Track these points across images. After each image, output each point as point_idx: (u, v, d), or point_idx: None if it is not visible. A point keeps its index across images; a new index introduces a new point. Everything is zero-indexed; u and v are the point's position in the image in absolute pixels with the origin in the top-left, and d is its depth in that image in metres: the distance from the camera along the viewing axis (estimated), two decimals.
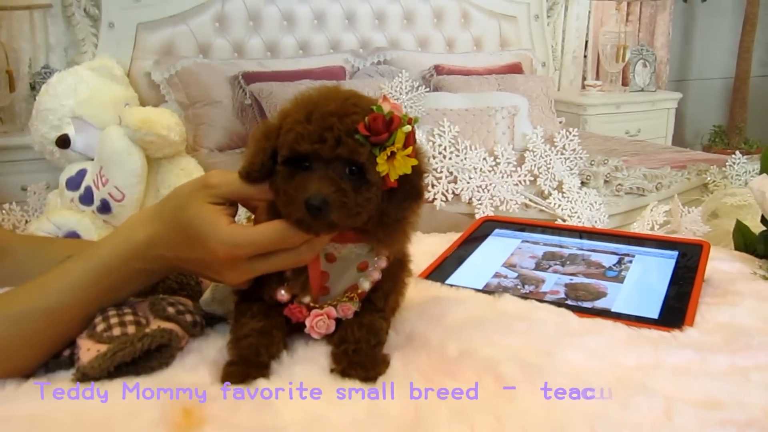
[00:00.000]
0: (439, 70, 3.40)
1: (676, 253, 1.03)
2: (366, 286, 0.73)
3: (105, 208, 2.20)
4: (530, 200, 2.53)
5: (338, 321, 0.74)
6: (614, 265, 1.02)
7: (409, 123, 0.66)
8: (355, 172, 0.65)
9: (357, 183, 0.65)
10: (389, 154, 0.65)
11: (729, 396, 0.65)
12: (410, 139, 0.66)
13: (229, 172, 0.70)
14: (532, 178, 2.60)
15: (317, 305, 0.73)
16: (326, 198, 0.63)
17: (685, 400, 0.63)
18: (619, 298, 0.92)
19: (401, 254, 0.77)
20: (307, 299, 0.72)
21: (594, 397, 0.63)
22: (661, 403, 0.62)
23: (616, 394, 0.64)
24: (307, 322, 0.72)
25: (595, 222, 2.46)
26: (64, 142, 2.33)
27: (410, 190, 0.69)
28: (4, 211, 2.51)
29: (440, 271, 1.03)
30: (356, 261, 0.72)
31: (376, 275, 0.73)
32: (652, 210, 2.21)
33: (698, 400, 0.64)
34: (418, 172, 0.68)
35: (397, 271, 0.77)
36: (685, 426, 0.59)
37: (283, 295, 0.72)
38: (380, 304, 0.75)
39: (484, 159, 2.53)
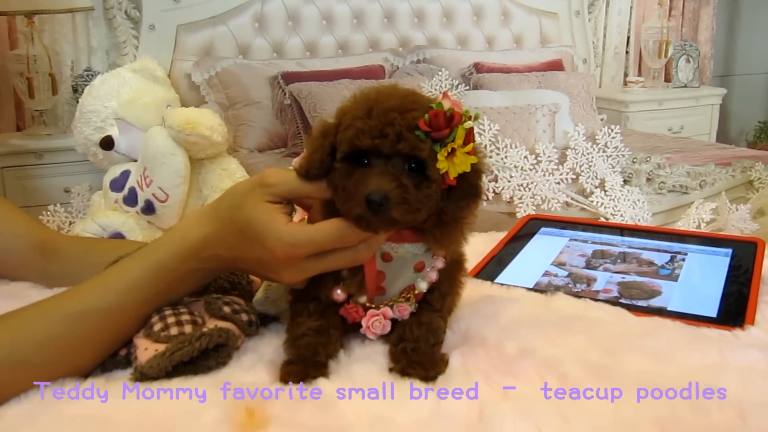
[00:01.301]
0: (478, 68, 3.37)
1: (729, 250, 1.01)
2: (423, 287, 0.72)
3: (149, 208, 2.22)
4: (572, 199, 2.50)
5: (394, 321, 0.73)
6: (667, 263, 1.01)
7: (470, 119, 0.65)
8: (414, 168, 0.64)
9: (417, 180, 0.64)
10: (449, 150, 0.64)
11: None
12: (470, 136, 0.65)
13: (286, 170, 0.70)
14: (573, 177, 2.57)
15: (373, 305, 0.72)
16: (387, 194, 0.62)
17: (756, 400, 0.61)
18: (674, 296, 0.90)
19: (457, 254, 0.76)
20: (363, 299, 0.72)
21: (662, 399, 0.61)
22: (732, 404, 0.60)
23: (686, 395, 0.62)
24: (363, 323, 0.72)
25: (639, 220, 2.42)
26: (107, 143, 2.35)
27: (468, 188, 0.68)
28: (48, 213, 2.54)
29: (488, 269, 1.02)
30: (413, 261, 0.71)
31: (434, 276, 0.72)
32: (697, 208, 2.17)
33: None
34: (476, 170, 0.67)
35: (453, 271, 0.76)
36: (760, 428, 0.57)
37: (339, 294, 0.71)
38: (437, 305, 0.74)
39: (525, 157, 2.51)
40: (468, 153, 0.65)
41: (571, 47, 3.87)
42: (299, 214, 0.75)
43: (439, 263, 0.72)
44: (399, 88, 0.68)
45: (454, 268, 0.76)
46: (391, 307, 0.72)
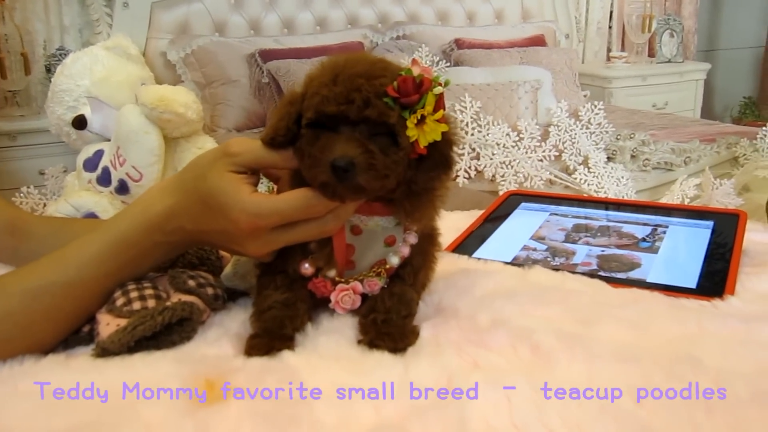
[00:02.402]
0: (459, 44, 3.35)
1: (711, 223, 1.01)
2: (395, 261, 0.71)
3: (123, 188, 2.18)
4: (555, 176, 2.49)
5: (364, 297, 0.72)
6: (647, 236, 1.01)
7: (440, 86, 0.64)
8: (382, 135, 0.63)
9: (385, 146, 0.62)
10: (419, 117, 0.63)
11: None
12: (440, 103, 0.64)
13: (251, 139, 0.68)
14: (556, 154, 2.56)
15: (342, 280, 0.71)
16: (353, 159, 0.60)
17: (734, 370, 0.60)
18: (654, 268, 0.90)
19: (430, 228, 0.75)
20: (332, 273, 0.70)
21: (638, 366, 0.60)
22: (709, 373, 0.59)
23: (660, 363, 0.61)
24: (332, 297, 0.71)
25: (623, 197, 2.42)
26: (80, 122, 2.30)
27: (440, 158, 0.66)
28: (22, 195, 2.50)
29: (466, 245, 1.02)
30: (383, 234, 0.70)
31: (405, 251, 0.71)
32: (681, 183, 2.17)
33: (748, 370, 0.60)
34: (447, 141, 0.66)
35: (426, 245, 0.75)
36: (737, 395, 0.56)
37: (307, 268, 0.70)
38: (410, 279, 0.73)
39: (507, 134, 2.49)
40: (438, 121, 0.63)
41: (553, 22, 3.85)
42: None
43: (412, 238, 0.71)
44: (367, 56, 0.66)
45: (427, 242, 0.75)
46: (361, 281, 0.71)
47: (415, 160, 0.65)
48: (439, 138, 0.63)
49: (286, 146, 0.65)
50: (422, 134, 0.63)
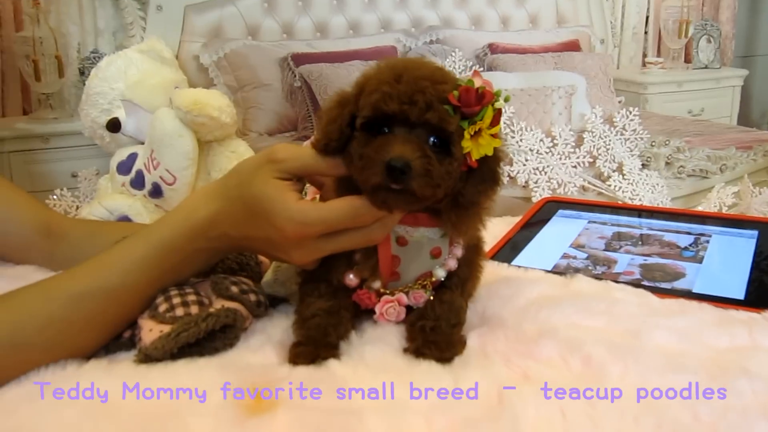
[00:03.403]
0: (493, 48, 3.33)
1: (755, 232, 1.00)
2: (441, 274, 0.70)
3: (156, 191, 2.19)
4: (589, 182, 2.46)
5: (408, 309, 0.71)
6: (690, 245, 0.99)
7: (500, 99, 0.63)
8: (437, 144, 0.61)
9: (440, 155, 0.61)
10: (476, 130, 0.62)
11: None
12: (497, 117, 0.63)
13: (296, 145, 0.67)
14: (590, 160, 2.53)
15: (387, 291, 0.70)
16: (410, 162, 0.59)
17: None
18: (699, 278, 0.89)
19: (476, 239, 0.74)
20: (377, 284, 0.69)
21: (691, 381, 0.58)
22: (765, 386, 0.58)
23: (714, 376, 0.59)
24: (377, 309, 0.70)
25: (657, 205, 2.39)
26: (114, 125, 2.32)
27: (488, 173, 0.65)
28: (55, 197, 2.52)
29: (504, 252, 1.01)
30: (429, 246, 0.69)
31: (452, 264, 0.70)
32: (719, 191, 2.13)
33: None
34: (497, 156, 0.65)
35: (472, 256, 0.73)
36: None
37: (351, 279, 0.69)
38: (457, 290, 0.72)
39: (541, 140, 2.47)
40: (492, 135, 0.62)
41: (588, 27, 3.82)
42: (311, 193, 0.72)
43: (458, 251, 0.70)
44: (427, 61, 0.65)
45: (473, 252, 0.74)
46: (407, 293, 0.70)
47: (465, 172, 0.64)
48: (491, 153, 0.62)
49: (339, 151, 0.64)
50: (476, 147, 0.62)
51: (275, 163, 0.65)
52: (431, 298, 0.70)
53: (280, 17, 3.22)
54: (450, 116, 0.61)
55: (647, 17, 4.17)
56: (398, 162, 0.58)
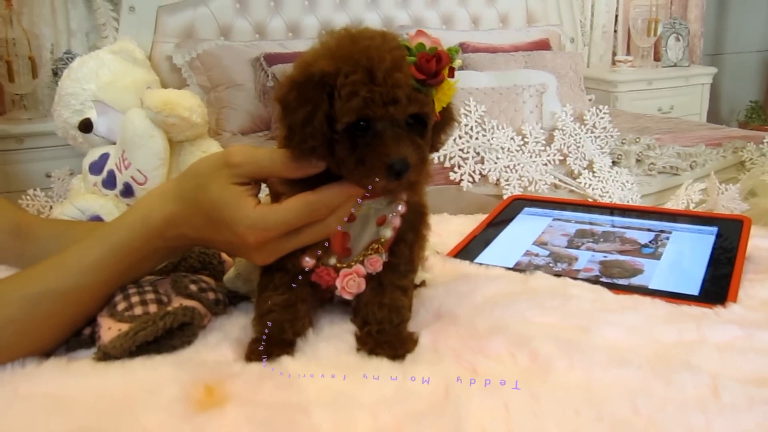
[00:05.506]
0: (464, 47, 3.34)
1: (715, 229, 1.01)
2: (388, 234, 0.70)
3: (128, 191, 2.19)
4: (560, 180, 2.48)
5: (369, 278, 0.71)
6: (650, 241, 1.00)
7: (456, 54, 0.63)
8: (411, 122, 0.62)
9: (420, 132, 0.63)
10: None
11: None
12: (453, 71, 0.63)
13: (252, 147, 0.66)
14: (561, 158, 2.55)
15: (344, 265, 0.70)
16: (408, 160, 0.60)
17: (733, 377, 0.60)
18: (656, 274, 0.90)
19: (419, 205, 0.73)
20: (332, 261, 0.70)
21: (636, 373, 0.60)
22: (706, 380, 0.59)
23: (657, 370, 0.61)
24: (338, 284, 0.69)
25: (628, 202, 2.41)
26: (86, 126, 2.32)
27: (447, 117, 0.67)
28: (28, 197, 2.51)
29: (469, 250, 1.02)
30: (375, 216, 0.69)
31: (397, 221, 0.70)
32: (687, 188, 2.16)
33: (746, 377, 0.61)
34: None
35: (416, 222, 0.73)
36: (733, 404, 0.56)
37: (308, 261, 0.68)
38: (405, 255, 0.72)
39: (512, 138, 2.48)
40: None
41: (558, 26, 3.84)
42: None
43: (402, 208, 0.70)
44: (376, 33, 0.63)
45: (417, 219, 0.73)
46: (362, 262, 0.70)
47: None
48: (450, 100, 0.63)
49: (324, 154, 0.63)
50: (438, 102, 0.63)
51: (231, 167, 0.65)
52: (386, 260, 0.70)
53: (252, 18, 3.21)
54: (426, 98, 0.61)
55: (616, 16, 4.18)
56: (400, 165, 0.60)
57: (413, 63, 0.60)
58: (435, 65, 0.60)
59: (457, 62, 0.63)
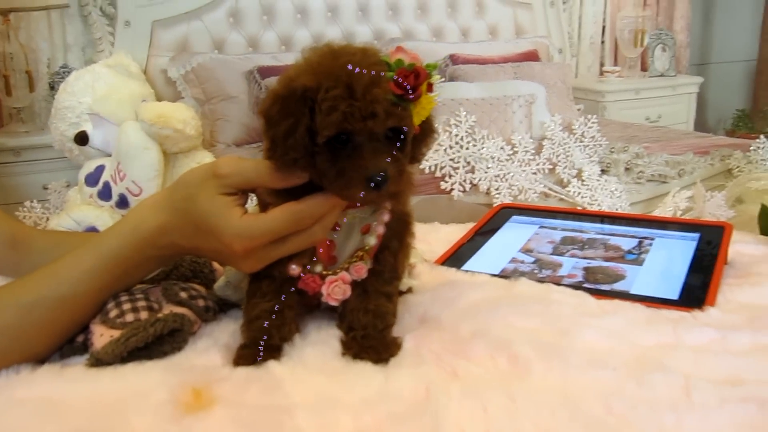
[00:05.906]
0: (454, 59, 3.37)
1: (697, 235, 1.02)
2: (372, 241, 0.71)
3: (123, 202, 2.21)
4: (549, 189, 2.50)
5: (354, 285, 0.72)
6: (634, 248, 1.01)
7: (435, 69, 0.65)
8: (390, 136, 0.64)
9: (399, 144, 0.64)
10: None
11: (750, 373, 0.63)
12: (431, 86, 0.65)
13: (240, 159, 0.68)
14: (550, 167, 2.57)
15: (330, 272, 0.71)
16: (387, 172, 0.62)
17: (705, 377, 0.62)
18: (638, 280, 0.91)
19: (404, 214, 0.75)
20: (318, 268, 0.71)
21: (611, 375, 0.62)
22: (679, 380, 0.61)
23: (632, 372, 0.62)
24: (324, 291, 0.71)
25: (616, 210, 2.43)
26: (82, 138, 2.34)
27: (427, 129, 0.69)
28: (25, 209, 2.52)
29: (456, 257, 1.03)
30: (360, 225, 0.71)
31: (381, 229, 0.72)
32: (674, 196, 2.18)
33: (718, 378, 0.62)
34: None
35: (400, 230, 0.75)
36: (704, 403, 0.57)
37: (294, 269, 0.70)
38: (390, 262, 0.73)
39: (502, 148, 2.50)
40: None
41: (546, 37, 3.86)
42: None
43: (385, 216, 0.72)
44: (355, 49, 0.65)
45: (401, 227, 0.75)
46: (347, 269, 0.71)
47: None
48: (429, 113, 0.65)
49: (305, 165, 0.64)
50: (417, 116, 0.65)
51: (219, 178, 0.67)
52: (371, 267, 0.72)
53: (245, 31, 3.23)
54: (404, 112, 0.63)
55: (603, 27, 4.21)
56: (379, 177, 0.61)
57: (392, 79, 0.62)
58: (413, 80, 0.62)
59: (435, 78, 0.64)
